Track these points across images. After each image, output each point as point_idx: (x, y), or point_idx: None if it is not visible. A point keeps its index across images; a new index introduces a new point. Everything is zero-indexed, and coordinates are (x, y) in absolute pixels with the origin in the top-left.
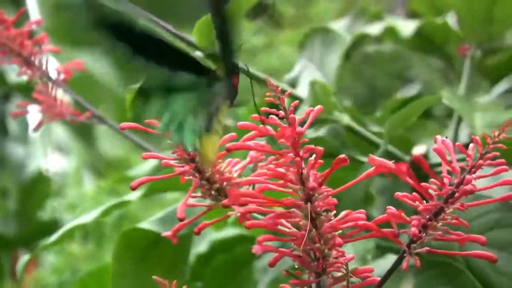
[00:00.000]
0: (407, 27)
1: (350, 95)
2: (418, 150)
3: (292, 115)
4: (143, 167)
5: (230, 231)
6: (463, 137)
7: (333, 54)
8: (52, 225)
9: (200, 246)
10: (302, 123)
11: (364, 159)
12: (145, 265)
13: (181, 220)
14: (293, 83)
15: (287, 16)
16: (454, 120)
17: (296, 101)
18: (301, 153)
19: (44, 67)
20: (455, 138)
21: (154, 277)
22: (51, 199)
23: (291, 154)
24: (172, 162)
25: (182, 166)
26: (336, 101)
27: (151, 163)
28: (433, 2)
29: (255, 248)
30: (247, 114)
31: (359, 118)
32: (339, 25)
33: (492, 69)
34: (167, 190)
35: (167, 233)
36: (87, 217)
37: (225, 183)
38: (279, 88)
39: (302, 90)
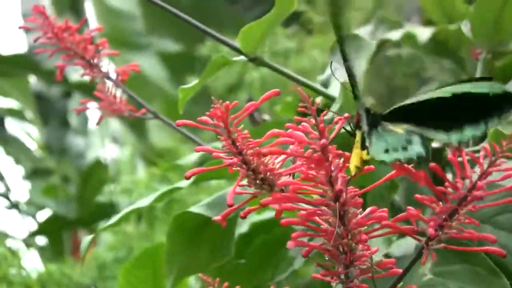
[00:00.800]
0: (423, 33)
1: (372, 93)
2: (435, 144)
3: (321, 124)
4: (191, 157)
5: (269, 214)
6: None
7: (361, 58)
8: (109, 208)
9: (243, 227)
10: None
11: None
12: (195, 245)
13: (230, 206)
14: (325, 84)
15: (316, 24)
16: None
17: (325, 110)
18: (330, 158)
19: (104, 69)
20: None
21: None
22: (107, 184)
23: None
24: (221, 154)
25: (231, 158)
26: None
27: (197, 153)
28: (446, 12)
29: (290, 244)
30: (282, 111)
31: None
32: (363, 32)
33: (499, 71)
34: (213, 178)
35: (217, 218)
36: (143, 202)
37: (268, 173)
38: (310, 99)
39: (334, 90)
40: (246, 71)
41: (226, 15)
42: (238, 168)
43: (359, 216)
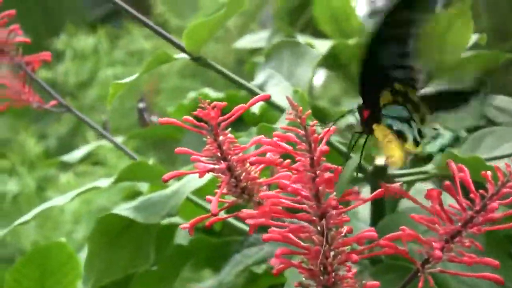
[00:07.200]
0: (322, 46)
1: None
2: (379, 161)
3: (314, 135)
4: (77, 153)
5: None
6: None
7: (304, 66)
8: None
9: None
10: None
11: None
12: (117, 247)
13: (214, 215)
14: (261, 89)
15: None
16: None
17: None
18: (318, 172)
19: (15, 57)
20: None
21: None
22: None
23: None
24: (202, 158)
25: (214, 163)
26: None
27: (83, 150)
28: (340, 26)
29: (273, 261)
30: (176, 112)
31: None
32: (258, 37)
33: None
34: (135, 179)
35: (185, 226)
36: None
37: (249, 182)
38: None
39: (275, 97)
40: (100, 67)
41: (71, 10)
42: (219, 174)
43: (347, 235)
